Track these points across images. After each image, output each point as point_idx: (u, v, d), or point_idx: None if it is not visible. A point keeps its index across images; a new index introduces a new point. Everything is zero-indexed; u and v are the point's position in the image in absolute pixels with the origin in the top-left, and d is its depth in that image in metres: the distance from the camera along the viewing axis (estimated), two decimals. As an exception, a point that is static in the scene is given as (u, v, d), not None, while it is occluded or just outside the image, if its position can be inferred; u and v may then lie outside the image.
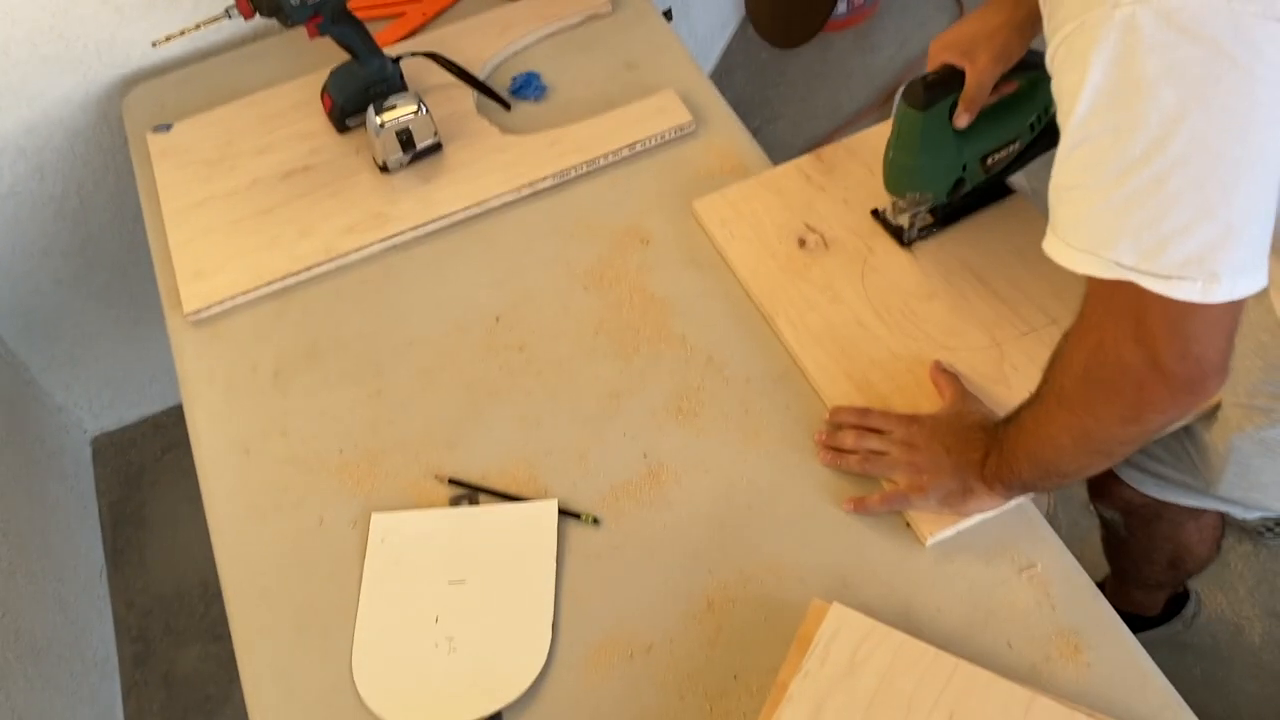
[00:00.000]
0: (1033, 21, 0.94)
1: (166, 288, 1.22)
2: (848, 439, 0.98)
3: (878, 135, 1.22)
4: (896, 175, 1.05)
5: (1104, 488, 1.22)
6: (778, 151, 1.23)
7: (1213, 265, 0.65)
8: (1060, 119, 0.68)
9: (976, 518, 0.93)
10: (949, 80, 0.98)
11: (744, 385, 1.06)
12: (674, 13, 1.83)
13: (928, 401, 1.00)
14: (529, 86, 1.35)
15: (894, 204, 1.10)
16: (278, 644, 0.95)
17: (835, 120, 2.33)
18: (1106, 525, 1.31)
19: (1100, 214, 0.67)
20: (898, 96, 1.00)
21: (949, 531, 0.93)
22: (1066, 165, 0.69)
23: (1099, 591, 0.90)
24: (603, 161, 1.26)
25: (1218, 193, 0.64)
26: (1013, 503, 0.93)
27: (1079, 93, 0.64)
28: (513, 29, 1.42)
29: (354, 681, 0.92)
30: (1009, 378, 1.01)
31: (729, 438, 1.02)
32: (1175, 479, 1.10)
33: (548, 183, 1.25)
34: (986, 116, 1.01)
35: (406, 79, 1.33)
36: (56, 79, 1.45)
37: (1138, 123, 0.62)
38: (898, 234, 1.12)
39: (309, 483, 1.05)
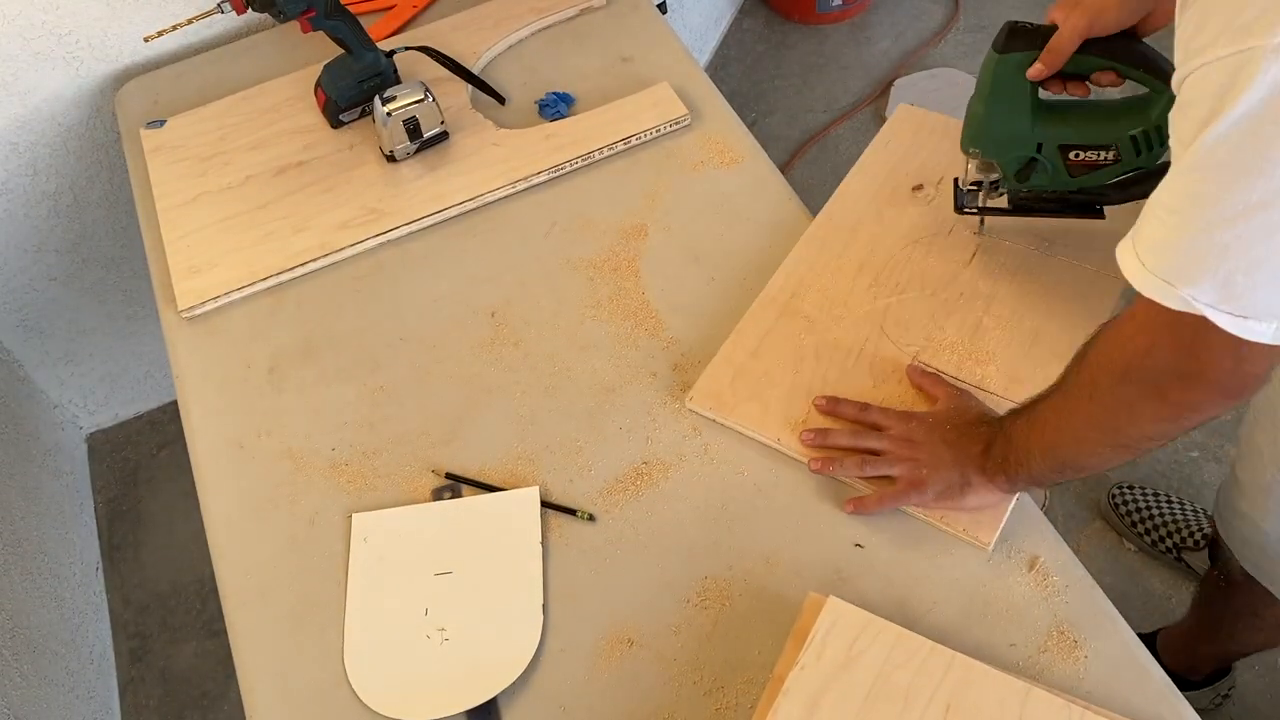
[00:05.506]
0: None
1: (160, 284, 1.21)
2: (842, 438, 0.97)
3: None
4: (967, 125, 0.99)
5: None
6: (773, 144, 1.23)
7: None
8: (1180, 139, 0.64)
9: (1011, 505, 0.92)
10: (1037, 33, 0.90)
11: (740, 379, 1.06)
12: (668, 5, 1.82)
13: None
14: (554, 106, 1.32)
15: (966, 167, 1.03)
16: (274, 640, 0.95)
17: (831, 113, 2.33)
18: (1221, 565, 1.27)
19: (1193, 247, 0.64)
20: None
21: (1000, 529, 0.92)
22: (1174, 185, 0.65)
23: (1096, 584, 0.90)
24: (598, 155, 1.26)
25: None
26: (1011, 499, 0.92)
27: (1215, 119, 0.60)
28: (506, 22, 1.42)
29: (348, 677, 0.92)
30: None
31: (725, 432, 1.02)
32: None
33: (543, 177, 1.24)
34: (1078, 106, 0.94)
35: (400, 74, 1.33)
36: (48, 74, 1.44)
37: (1270, 168, 0.59)
38: (959, 198, 1.06)
39: (304, 479, 1.04)
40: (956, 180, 1.07)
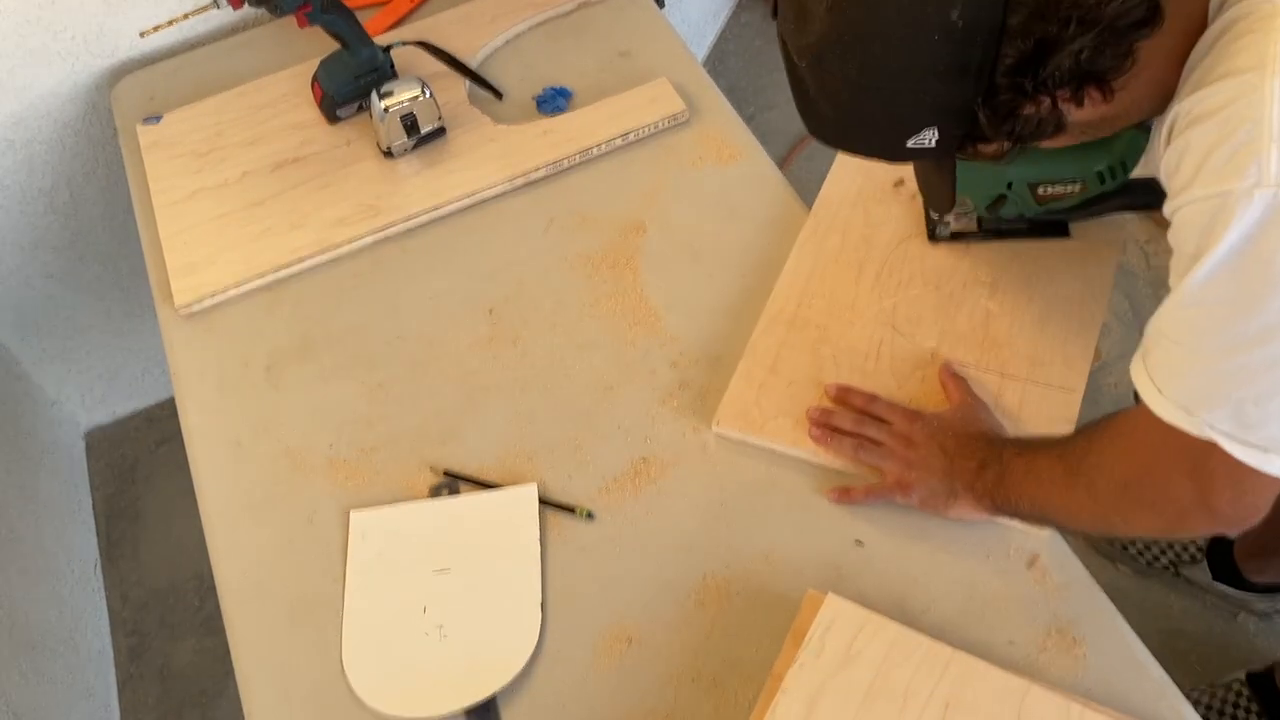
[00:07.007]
0: None
1: (158, 281, 1.21)
2: (846, 420, 0.97)
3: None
4: None
5: None
6: (772, 139, 1.22)
7: None
8: (1174, 270, 0.67)
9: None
10: None
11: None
12: None
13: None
14: (552, 101, 1.32)
15: None
16: (272, 638, 0.95)
17: (829, 108, 2.32)
18: None
19: (1202, 377, 0.66)
20: None
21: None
22: (1175, 317, 0.68)
23: (1095, 583, 0.90)
24: (596, 151, 1.25)
25: None
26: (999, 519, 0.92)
27: (1202, 257, 0.63)
28: (504, 17, 1.41)
29: (346, 675, 0.92)
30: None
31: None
32: None
33: (541, 173, 1.24)
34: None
35: (397, 69, 1.32)
36: (44, 70, 1.44)
37: (1259, 305, 0.62)
38: (930, 227, 1.10)
39: (301, 477, 1.04)
40: (928, 211, 1.10)
